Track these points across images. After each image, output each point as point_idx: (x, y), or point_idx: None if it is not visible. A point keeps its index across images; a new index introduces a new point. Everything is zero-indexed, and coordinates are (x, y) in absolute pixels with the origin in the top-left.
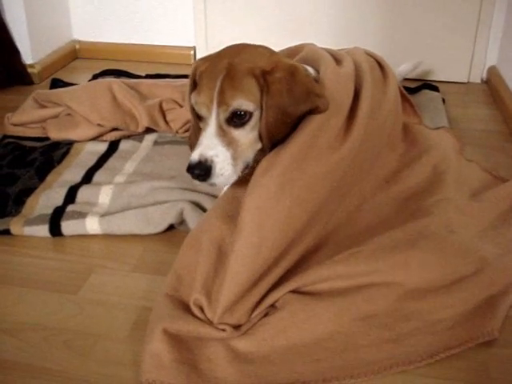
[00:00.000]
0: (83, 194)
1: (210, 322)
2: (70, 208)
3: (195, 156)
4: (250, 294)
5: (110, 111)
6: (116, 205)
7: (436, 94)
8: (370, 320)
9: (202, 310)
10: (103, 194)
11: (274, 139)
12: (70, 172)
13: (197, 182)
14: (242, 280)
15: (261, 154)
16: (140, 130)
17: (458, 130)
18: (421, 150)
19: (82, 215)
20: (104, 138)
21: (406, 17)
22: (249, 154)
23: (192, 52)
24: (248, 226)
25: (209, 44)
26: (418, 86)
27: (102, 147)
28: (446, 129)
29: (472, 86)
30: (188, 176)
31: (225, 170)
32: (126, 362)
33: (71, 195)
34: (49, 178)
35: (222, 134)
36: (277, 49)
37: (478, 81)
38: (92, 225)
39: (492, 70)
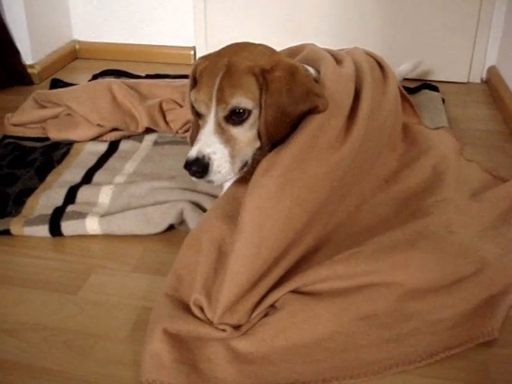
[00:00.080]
0: (83, 194)
1: (210, 322)
2: (69, 208)
3: (193, 153)
4: (250, 294)
5: (110, 111)
6: (116, 205)
7: (436, 93)
8: (369, 320)
9: (202, 310)
10: (103, 194)
11: (273, 138)
12: (69, 172)
13: (194, 179)
14: (242, 280)
15: (259, 152)
16: (140, 130)
17: (457, 130)
18: (421, 150)
19: (81, 215)
20: (104, 138)
21: (406, 17)
22: (247, 152)
23: (192, 52)
24: (248, 226)
25: (209, 44)
26: (417, 86)
27: (101, 147)
28: (445, 129)
29: (472, 86)
30: (188, 176)
31: (222, 168)
32: (126, 362)
33: (71, 195)
34: (49, 178)
35: (221, 131)
36: (277, 49)
37: (478, 81)
38: (92, 225)
39: (492, 70)
